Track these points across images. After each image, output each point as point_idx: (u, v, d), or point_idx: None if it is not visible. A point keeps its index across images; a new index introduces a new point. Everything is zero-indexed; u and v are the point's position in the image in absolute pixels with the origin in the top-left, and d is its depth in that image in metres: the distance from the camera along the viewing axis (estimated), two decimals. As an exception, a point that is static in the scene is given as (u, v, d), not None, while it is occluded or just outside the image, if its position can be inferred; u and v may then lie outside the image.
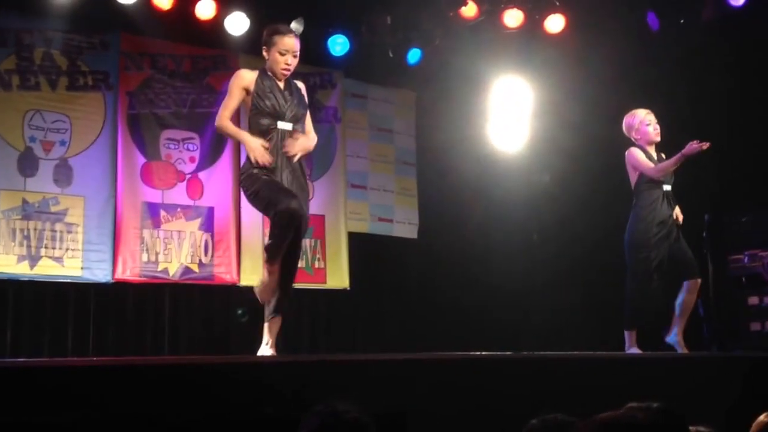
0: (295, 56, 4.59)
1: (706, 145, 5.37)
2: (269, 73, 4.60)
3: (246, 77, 4.59)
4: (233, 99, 4.59)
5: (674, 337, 5.57)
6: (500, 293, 7.82)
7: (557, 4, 7.18)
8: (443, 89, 7.93)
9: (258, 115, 4.54)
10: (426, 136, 8.20)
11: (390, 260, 7.97)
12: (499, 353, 3.95)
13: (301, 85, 4.77)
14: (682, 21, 6.95)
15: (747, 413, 2.44)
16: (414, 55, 7.53)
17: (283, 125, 4.55)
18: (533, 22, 7.25)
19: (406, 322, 7.79)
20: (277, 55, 4.55)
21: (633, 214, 5.66)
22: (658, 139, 5.72)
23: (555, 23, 7.25)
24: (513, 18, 7.19)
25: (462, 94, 7.88)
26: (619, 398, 2.21)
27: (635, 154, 5.66)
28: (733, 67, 6.85)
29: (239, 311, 6.92)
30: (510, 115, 7.80)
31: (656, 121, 5.72)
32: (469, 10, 7.05)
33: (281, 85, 4.61)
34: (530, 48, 7.46)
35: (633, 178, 5.70)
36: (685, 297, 5.57)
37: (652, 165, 5.60)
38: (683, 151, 5.42)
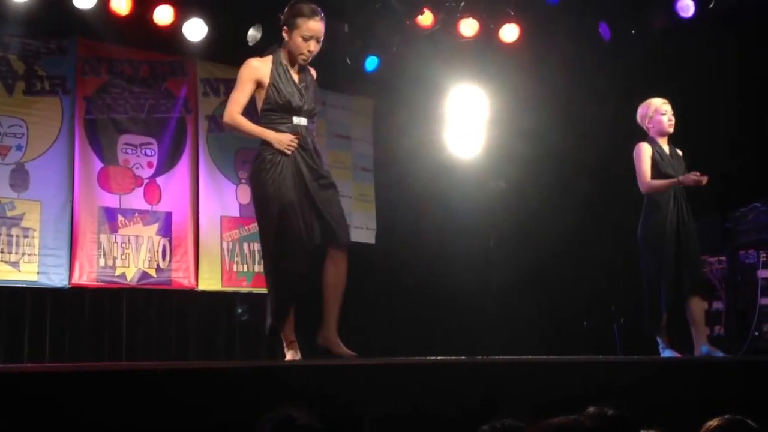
0: (318, 42, 4.17)
1: (705, 180, 5.31)
2: (283, 61, 4.21)
3: (260, 68, 4.18)
4: (244, 92, 4.19)
5: (703, 350, 5.37)
6: (457, 297, 7.91)
7: (512, 14, 7.29)
8: (400, 96, 8.00)
9: (271, 109, 4.17)
10: (383, 142, 8.26)
11: (348, 265, 8.00)
12: (454, 358, 4.01)
13: (313, 72, 4.38)
14: (633, 31, 7.10)
15: (698, 417, 2.50)
16: (371, 63, 7.58)
17: (299, 120, 4.19)
18: (488, 31, 7.35)
19: (363, 327, 7.83)
20: (300, 40, 4.14)
21: (645, 211, 5.53)
22: (671, 130, 5.55)
23: (509, 33, 7.35)
24: (468, 27, 7.28)
25: (419, 101, 7.95)
26: (574, 403, 2.29)
27: (641, 154, 5.50)
28: (683, 76, 7.02)
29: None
30: (466, 122, 7.93)
31: (672, 111, 5.55)
32: (426, 19, 7.13)
33: (295, 76, 4.22)
34: (485, 57, 7.56)
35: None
36: (690, 311, 5.45)
37: (647, 177, 5.45)
38: (681, 178, 5.35)
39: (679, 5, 6.85)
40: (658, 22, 6.99)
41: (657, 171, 5.50)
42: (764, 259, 6.44)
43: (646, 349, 6.54)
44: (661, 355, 5.44)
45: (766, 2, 6.54)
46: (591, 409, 2.08)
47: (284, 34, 4.21)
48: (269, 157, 4.14)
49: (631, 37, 7.14)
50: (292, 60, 4.21)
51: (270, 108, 4.18)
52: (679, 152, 5.64)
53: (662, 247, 5.42)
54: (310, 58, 4.22)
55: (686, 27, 6.97)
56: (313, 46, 4.17)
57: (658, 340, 5.49)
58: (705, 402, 3.54)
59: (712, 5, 6.74)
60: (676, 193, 5.49)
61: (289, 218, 4.10)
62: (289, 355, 4.26)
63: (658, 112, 5.54)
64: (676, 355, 5.39)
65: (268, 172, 4.13)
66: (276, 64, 4.20)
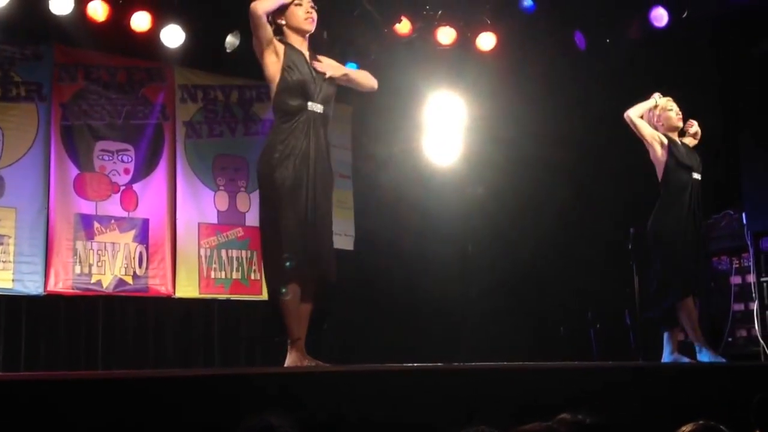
0: (313, 6, 4.23)
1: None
2: (295, 46, 4.21)
3: (272, 36, 4.14)
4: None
5: (704, 355, 5.34)
6: (435, 304, 7.93)
7: (488, 22, 7.34)
8: (379, 103, 7.99)
9: (286, 92, 4.11)
10: (362, 149, 8.27)
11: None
12: (431, 364, 4.03)
13: (331, 63, 4.37)
14: (608, 40, 7.17)
15: (671, 422, 2.52)
16: (350, 70, 7.60)
17: (314, 106, 4.14)
18: (465, 39, 7.39)
19: (341, 333, 7.83)
20: (294, 8, 4.19)
21: (660, 206, 5.52)
22: (681, 124, 5.63)
23: (486, 41, 7.39)
24: (446, 35, 7.32)
25: (397, 108, 7.98)
26: (550, 409, 2.31)
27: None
28: (659, 85, 7.09)
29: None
30: (444, 129, 7.97)
31: (678, 107, 5.62)
32: (403, 27, 7.16)
33: (307, 57, 4.22)
34: (463, 64, 7.60)
35: (659, 168, 5.57)
36: (681, 316, 5.42)
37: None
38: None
39: (653, 14, 6.91)
40: (632, 32, 7.06)
41: (676, 161, 5.51)
42: (737, 265, 6.53)
43: (623, 354, 6.61)
44: (665, 359, 5.38)
45: (741, 10, 6.62)
46: (564, 415, 2.10)
47: (281, 21, 4.22)
48: (280, 148, 4.08)
49: (607, 45, 7.20)
50: (301, 40, 4.23)
51: (285, 88, 4.12)
52: (689, 145, 5.70)
53: (678, 241, 5.42)
54: (314, 22, 4.24)
55: (662, 35, 7.04)
56: (309, 8, 4.22)
57: (666, 340, 5.42)
58: (679, 407, 3.59)
59: (685, 14, 6.81)
60: (692, 191, 5.52)
61: (297, 208, 4.06)
62: (290, 358, 4.06)
63: (665, 109, 5.62)
64: (684, 360, 5.33)
65: (278, 160, 4.06)
66: (288, 47, 4.19)
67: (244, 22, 6.49)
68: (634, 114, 5.58)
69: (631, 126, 5.60)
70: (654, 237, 5.54)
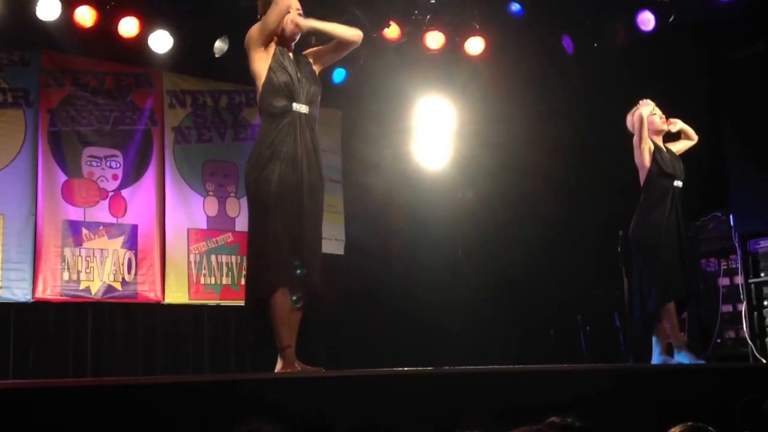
0: (300, 13, 4.24)
1: None
2: (281, 47, 4.18)
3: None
4: None
5: (682, 356, 5.36)
6: (425, 308, 7.93)
7: (477, 27, 7.36)
8: (368, 108, 8.04)
9: (272, 93, 4.08)
10: (352, 153, 8.28)
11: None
12: (421, 368, 4.03)
13: (311, 59, 4.34)
14: (595, 45, 7.20)
15: (662, 424, 2.53)
16: (339, 75, 7.61)
17: (299, 107, 4.10)
18: (454, 44, 7.41)
19: (331, 337, 7.83)
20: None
21: (641, 210, 5.54)
22: (666, 127, 5.67)
23: (475, 46, 7.42)
24: (434, 40, 7.34)
25: (386, 112, 8.00)
26: (540, 411, 2.32)
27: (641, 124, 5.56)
28: (647, 88, 7.11)
29: None
30: (433, 134, 7.99)
31: (661, 111, 5.65)
32: (392, 32, 7.18)
33: (292, 57, 4.21)
34: (452, 69, 7.63)
35: (642, 173, 5.58)
36: (670, 313, 5.41)
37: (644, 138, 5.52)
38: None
39: (640, 19, 6.94)
40: (620, 36, 7.08)
41: (659, 169, 5.54)
42: (725, 267, 6.56)
43: (612, 356, 6.63)
44: (654, 362, 5.41)
45: (727, 14, 6.65)
46: (554, 418, 2.11)
47: None
48: (267, 151, 4.06)
49: (594, 50, 7.23)
50: (286, 44, 4.22)
51: (270, 88, 4.10)
52: (674, 150, 5.71)
53: (659, 247, 5.43)
54: (299, 31, 4.24)
55: (649, 39, 7.07)
56: (296, 15, 4.22)
57: (654, 343, 5.45)
58: (667, 409, 3.60)
59: (672, 18, 6.85)
60: (673, 198, 5.54)
61: (285, 212, 4.02)
62: (280, 365, 4.03)
63: (650, 113, 5.62)
64: (673, 362, 5.35)
65: (264, 163, 4.04)
66: (278, 48, 4.18)
67: (233, 27, 6.50)
68: (647, 113, 5.57)
69: (639, 122, 5.57)
70: (635, 243, 5.58)
